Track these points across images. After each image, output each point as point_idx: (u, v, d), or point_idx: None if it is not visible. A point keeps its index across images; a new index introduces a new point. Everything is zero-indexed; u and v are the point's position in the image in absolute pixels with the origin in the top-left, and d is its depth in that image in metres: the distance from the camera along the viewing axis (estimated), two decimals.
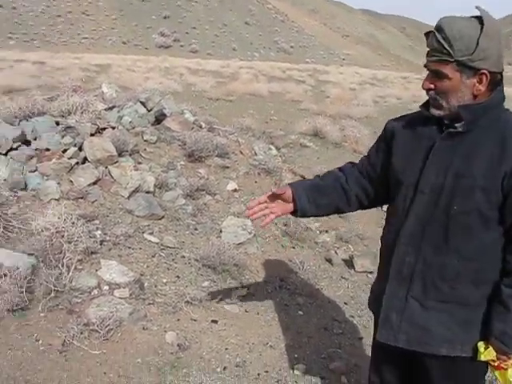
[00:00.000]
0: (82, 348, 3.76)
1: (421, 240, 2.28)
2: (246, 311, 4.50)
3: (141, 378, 3.57)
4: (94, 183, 5.64)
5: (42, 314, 4.03)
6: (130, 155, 6.29)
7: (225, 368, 3.79)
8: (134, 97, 7.84)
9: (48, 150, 5.92)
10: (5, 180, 5.46)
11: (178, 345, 3.92)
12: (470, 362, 2.30)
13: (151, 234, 5.20)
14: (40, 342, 3.79)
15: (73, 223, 4.64)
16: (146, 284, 4.50)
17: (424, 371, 2.42)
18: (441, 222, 2.24)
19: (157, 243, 5.09)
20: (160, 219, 5.49)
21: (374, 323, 2.58)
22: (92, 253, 4.63)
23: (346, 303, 4.97)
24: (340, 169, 2.76)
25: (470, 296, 2.27)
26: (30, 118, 6.86)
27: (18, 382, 3.44)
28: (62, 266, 4.26)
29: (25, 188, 5.46)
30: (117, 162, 5.99)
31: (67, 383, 3.47)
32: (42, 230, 4.56)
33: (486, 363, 2.28)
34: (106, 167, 5.89)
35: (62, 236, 4.52)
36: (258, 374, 3.77)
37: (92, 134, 6.45)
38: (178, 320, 4.20)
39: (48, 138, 6.04)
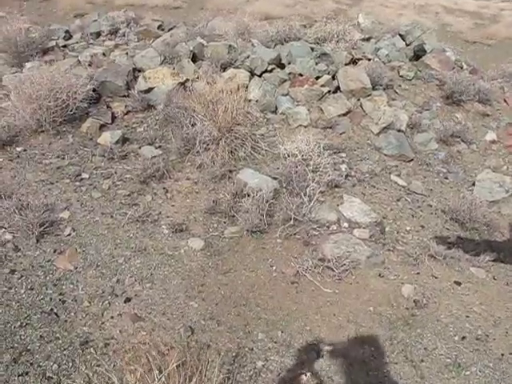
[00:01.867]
0: (314, 283, 3.59)
1: None
2: (493, 278, 3.95)
3: (371, 328, 3.30)
4: (344, 114, 5.38)
5: (278, 241, 3.93)
6: (384, 90, 5.89)
7: (463, 338, 3.34)
8: (393, 29, 7.35)
9: (301, 75, 5.77)
10: (257, 101, 5.44)
11: (414, 301, 3.56)
12: None
13: (398, 175, 4.82)
14: (274, 268, 3.70)
15: (319, 153, 4.44)
16: (387, 228, 4.17)
17: None
18: None
19: (403, 186, 4.70)
20: (409, 161, 5.07)
21: None
22: (335, 186, 4.41)
23: None
24: None
25: None
26: (286, 42, 6.77)
27: (250, 304, 3.38)
28: (305, 195, 4.10)
29: (275, 111, 5.39)
30: (370, 95, 5.63)
31: (296, 316, 3.33)
32: (289, 156, 4.44)
33: None
34: (359, 99, 5.57)
35: (308, 164, 4.35)
36: (502, 355, 3.25)
37: (346, 64, 6.16)
38: (418, 274, 3.82)
39: (302, 63, 5.87)
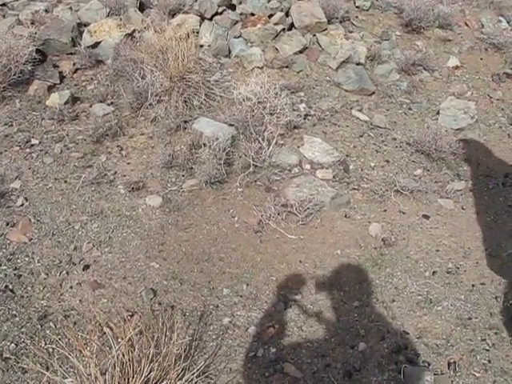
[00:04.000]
0: (278, 230, 3.48)
1: None
2: (462, 208, 3.87)
3: (339, 273, 3.21)
4: (300, 52, 5.16)
5: (239, 189, 3.80)
6: (341, 22, 5.66)
7: (434, 273, 3.27)
8: None
9: (253, 14, 5.51)
10: (209, 46, 5.20)
11: (382, 239, 3.47)
12: None
13: (360, 110, 4.66)
14: (236, 218, 3.58)
15: (276, 94, 4.26)
16: (351, 166, 4.04)
17: None
18: None
19: (365, 121, 4.55)
20: (370, 95, 4.91)
21: None
22: (295, 127, 4.25)
23: None
24: None
25: None
26: None
27: (212, 259, 3.27)
28: (263, 139, 3.94)
29: (228, 55, 5.16)
30: (326, 29, 5.41)
31: (261, 267, 3.23)
32: (244, 100, 4.25)
33: None
34: (314, 35, 5.35)
35: (264, 107, 4.17)
36: (473, 286, 3.19)
37: None
38: (385, 211, 3.72)
39: (253, 1, 5.60)
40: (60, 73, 5.02)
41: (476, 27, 6.38)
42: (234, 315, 2.92)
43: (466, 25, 6.35)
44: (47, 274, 3.13)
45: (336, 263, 3.27)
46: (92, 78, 5.03)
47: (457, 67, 5.58)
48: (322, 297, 3.03)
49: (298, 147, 4.11)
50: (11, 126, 4.37)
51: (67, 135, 4.26)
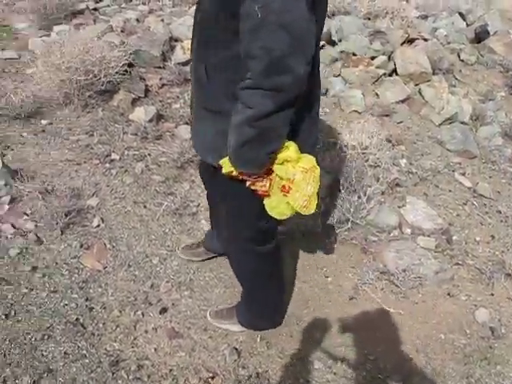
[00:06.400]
0: (376, 300, 3.13)
1: None
2: None
3: (443, 361, 2.83)
4: (403, 101, 4.84)
5: (333, 245, 3.46)
6: (444, 74, 5.33)
7: None
8: (452, 6, 6.72)
9: (354, 54, 5.23)
10: None
11: (490, 328, 3.08)
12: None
13: (463, 174, 4.28)
14: (329, 279, 3.24)
15: (380, 145, 3.93)
16: (454, 237, 3.66)
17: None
18: None
19: (469, 188, 4.17)
20: (472, 158, 4.53)
21: None
22: (397, 185, 3.90)
23: None
24: None
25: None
26: (334, 15, 6.21)
27: (303, 323, 2.94)
28: (365, 194, 3.59)
29: (325, 93, 4.87)
30: (429, 80, 5.08)
31: (357, 342, 2.88)
32: (346, 146, 3.93)
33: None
34: (417, 84, 5.03)
35: (367, 159, 3.84)
36: None
37: (401, 44, 5.60)
38: (492, 295, 3.33)
39: (356, 41, 5.32)
40: (145, 86, 4.80)
41: None
42: None
43: None
44: (120, 312, 2.83)
45: (440, 350, 2.89)
46: (178, 97, 4.81)
47: None
48: None
49: (399, 207, 3.76)
50: (92, 135, 4.14)
51: (149, 155, 4.01)
